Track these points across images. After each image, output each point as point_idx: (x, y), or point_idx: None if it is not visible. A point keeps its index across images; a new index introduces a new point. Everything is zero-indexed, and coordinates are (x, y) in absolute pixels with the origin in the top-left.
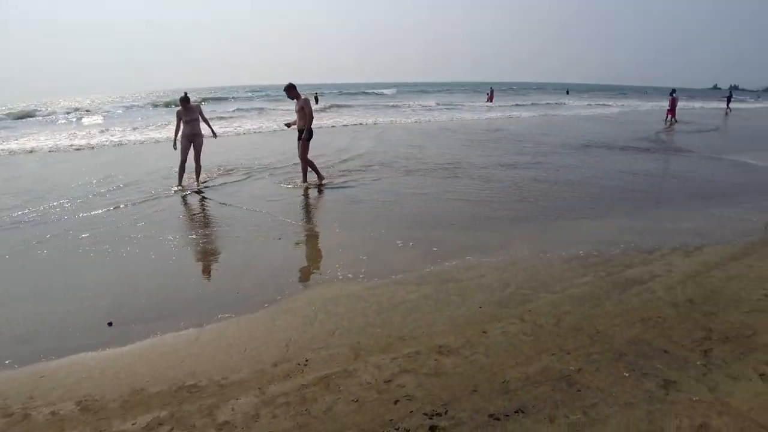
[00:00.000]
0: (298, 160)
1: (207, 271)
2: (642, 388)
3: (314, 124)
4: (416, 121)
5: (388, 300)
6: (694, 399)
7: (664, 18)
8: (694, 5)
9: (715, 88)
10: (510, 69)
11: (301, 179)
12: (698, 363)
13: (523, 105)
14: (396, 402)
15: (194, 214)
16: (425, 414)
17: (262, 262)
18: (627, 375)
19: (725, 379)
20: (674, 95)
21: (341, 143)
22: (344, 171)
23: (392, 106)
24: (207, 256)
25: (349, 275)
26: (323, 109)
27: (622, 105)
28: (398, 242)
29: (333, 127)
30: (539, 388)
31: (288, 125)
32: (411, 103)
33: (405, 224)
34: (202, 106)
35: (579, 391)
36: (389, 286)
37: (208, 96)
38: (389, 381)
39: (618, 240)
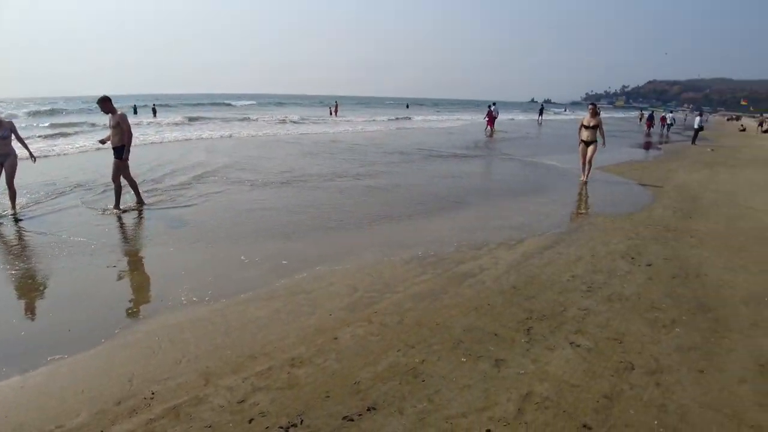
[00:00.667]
0: (126, 182)
1: (31, 309)
2: (478, 369)
3: (162, 137)
4: (267, 134)
5: (237, 319)
6: (520, 372)
7: (485, 44)
8: (511, 35)
9: (533, 101)
10: (354, 85)
11: (114, 204)
12: (523, 341)
13: (375, 120)
14: (251, 421)
15: (11, 246)
16: (281, 427)
17: (95, 294)
18: (464, 360)
19: (544, 351)
20: (492, 108)
21: (176, 158)
22: (179, 186)
23: (245, 119)
24: (30, 293)
25: (194, 299)
26: (177, 123)
27: (457, 118)
28: (244, 259)
29: (176, 141)
30: (388, 384)
31: (102, 142)
32: (264, 115)
33: (251, 240)
34: (15, 122)
35: (423, 381)
36: (238, 305)
37: (39, 109)
38: (242, 401)
39: (452, 239)
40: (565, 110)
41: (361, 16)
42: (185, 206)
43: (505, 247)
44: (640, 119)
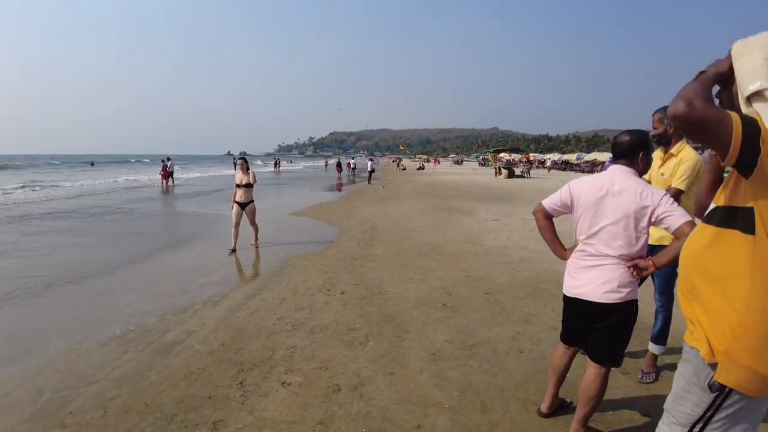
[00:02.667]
0: None
1: None
2: None
3: None
4: None
5: None
6: (239, 427)
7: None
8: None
9: (229, 154)
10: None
11: None
12: (237, 395)
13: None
14: None
15: None
16: None
17: None
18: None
19: (259, 399)
20: (167, 162)
21: None
22: None
23: None
24: None
25: None
26: None
27: (126, 178)
28: None
29: None
30: None
31: None
32: None
33: None
34: None
35: None
36: None
37: None
38: None
39: (154, 308)
40: (261, 161)
41: None
42: None
43: (211, 305)
44: (326, 165)
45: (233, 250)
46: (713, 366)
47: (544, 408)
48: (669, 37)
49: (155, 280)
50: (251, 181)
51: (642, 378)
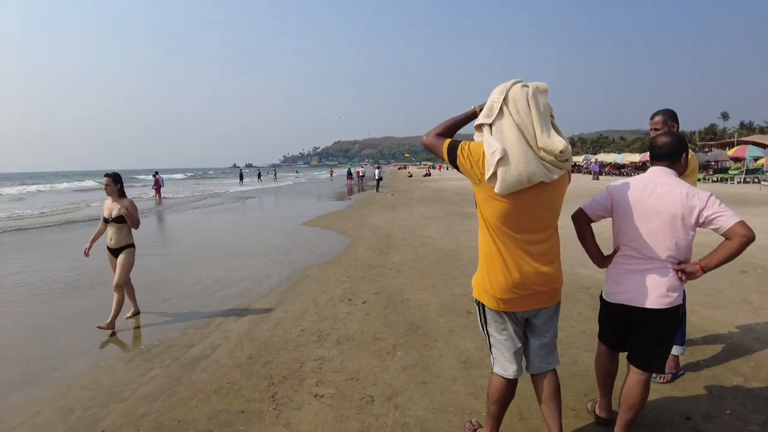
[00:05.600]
0: None
1: None
2: None
3: None
4: None
5: None
6: None
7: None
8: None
9: (235, 166)
10: None
11: None
12: (270, 409)
13: None
14: None
15: None
16: None
17: None
18: None
19: (293, 412)
20: (157, 176)
21: None
22: None
23: None
24: None
25: None
26: None
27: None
28: None
29: None
30: None
31: None
32: None
33: None
34: None
35: None
36: None
37: None
38: None
39: (176, 323)
40: (268, 174)
41: None
42: None
43: (233, 318)
44: (331, 174)
45: (112, 332)
46: None
47: (603, 413)
48: (672, 36)
49: (177, 295)
50: (125, 213)
51: (659, 378)
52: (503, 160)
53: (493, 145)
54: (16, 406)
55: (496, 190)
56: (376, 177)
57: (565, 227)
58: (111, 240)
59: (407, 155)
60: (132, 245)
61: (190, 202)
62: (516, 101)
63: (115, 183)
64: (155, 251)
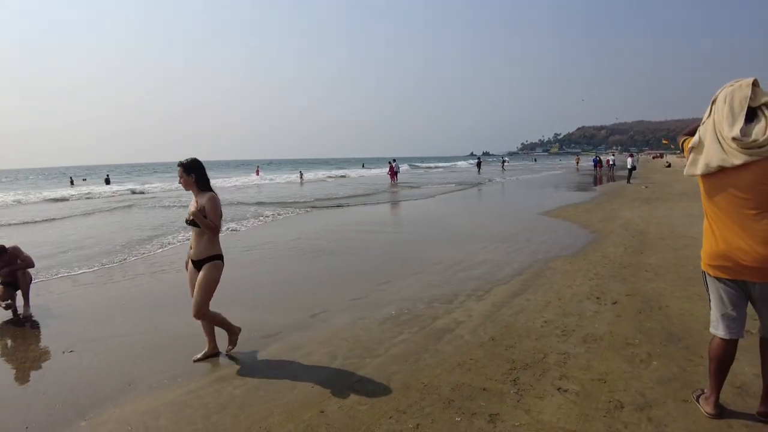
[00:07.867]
0: None
1: None
2: (474, 427)
3: None
4: None
5: (214, 400)
6: (516, 425)
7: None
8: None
9: (472, 155)
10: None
11: None
12: (512, 392)
13: (318, 175)
14: None
15: None
16: None
17: (50, 384)
18: (459, 419)
19: (535, 401)
20: (393, 163)
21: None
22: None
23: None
24: None
25: (165, 381)
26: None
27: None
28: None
29: None
30: None
31: None
32: None
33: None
34: None
35: None
36: (213, 384)
37: None
38: None
39: (422, 296)
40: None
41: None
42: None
43: (475, 299)
44: (577, 163)
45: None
46: None
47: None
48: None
49: (423, 270)
50: (194, 215)
51: None
52: None
53: None
54: (295, 345)
55: None
56: (629, 166)
57: None
58: (191, 248)
59: (665, 142)
60: (218, 256)
61: (435, 188)
62: None
63: (188, 173)
64: (401, 230)
